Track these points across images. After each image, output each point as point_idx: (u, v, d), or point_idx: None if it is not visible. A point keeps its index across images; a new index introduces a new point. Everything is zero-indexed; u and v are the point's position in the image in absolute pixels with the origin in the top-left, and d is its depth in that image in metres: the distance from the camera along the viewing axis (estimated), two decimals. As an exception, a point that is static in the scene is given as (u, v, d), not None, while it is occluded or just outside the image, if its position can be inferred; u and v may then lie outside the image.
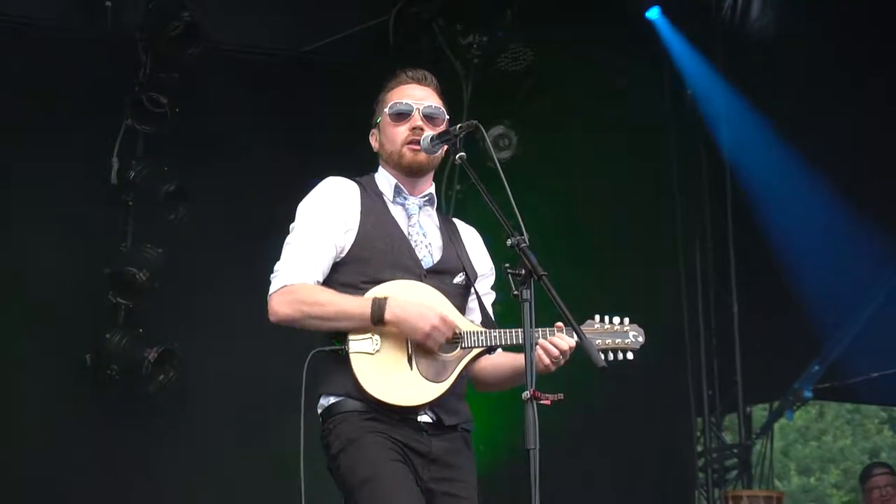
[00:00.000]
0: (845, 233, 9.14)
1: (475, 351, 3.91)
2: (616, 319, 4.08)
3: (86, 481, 7.44)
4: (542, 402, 3.40)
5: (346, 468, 3.78)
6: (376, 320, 3.77)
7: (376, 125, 4.14)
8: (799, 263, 9.60)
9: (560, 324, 3.85)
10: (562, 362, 3.87)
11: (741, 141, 9.99)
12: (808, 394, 10.35)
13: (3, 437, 7.24)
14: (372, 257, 3.92)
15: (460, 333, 3.88)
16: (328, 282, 3.92)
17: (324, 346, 3.85)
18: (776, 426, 11.00)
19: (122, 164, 7.82)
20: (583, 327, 3.92)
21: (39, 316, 7.44)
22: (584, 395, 5.73)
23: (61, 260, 7.55)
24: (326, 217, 3.94)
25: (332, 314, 3.80)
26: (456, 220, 4.28)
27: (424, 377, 3.82)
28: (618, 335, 4.06)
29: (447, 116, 4.11)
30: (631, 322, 4.10)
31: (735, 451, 10.27)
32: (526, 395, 3.40)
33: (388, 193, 4.07)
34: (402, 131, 4.04)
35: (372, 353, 3.80)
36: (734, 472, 10.19)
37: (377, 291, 3.85)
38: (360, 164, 4.17)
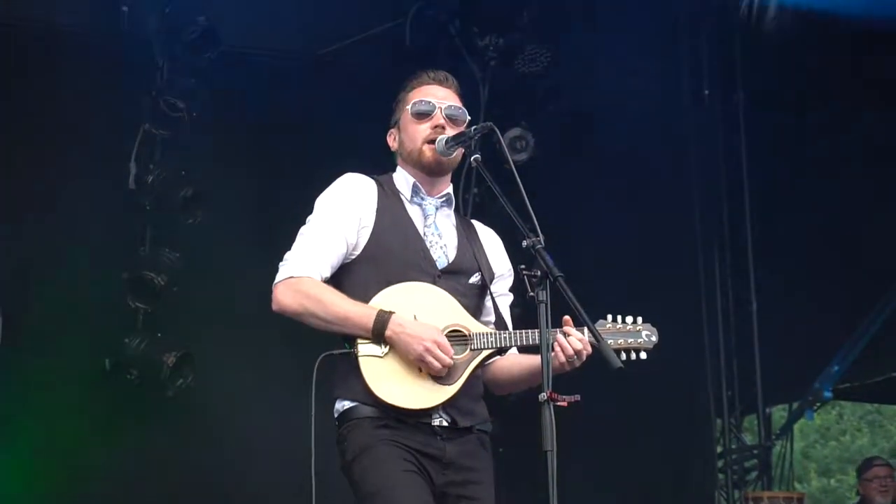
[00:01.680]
0: (860, 233, 9.11)
1: (485, 352, 3.86)
2: (629, 319, 4.02)
3: (106, 484, 7.45)
4: (559, 403, 3.36)
5: (359, 476, 3.76)
6: (377, 335, 3.73)
7: (396, 124, 4.14)
8: (816, 264, 9.58)
9: (567, 317, 3.79)
10: (577, 363, 3.81)
11: (759, 141, 9.98)
12: (827, 394, 10.30)
13: (25, 441, 7.26)
14: (386, 256, 3.89)
15: (470, 335, 3.85)
16: (343, 280, 3.89)
17: (333, 350, 3.82)
18: (796, 427, 10.96)
19: (139, 169, 7.84)
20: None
21: (59, 321, 7.46)
22: (602, 397, 5.71)
23: (80, 265, 7.57)
24: (341, 212, 3.91)
25: (334, 317, 3.76)
26: (474, 222, 4.26)
27: (434, 379, 3.77)
28: (630, 335, 4.00)
29: (468, 118, 4.10)
30: (644, 321, 4.04)
31: (755, 452, 10.23)
32: (543, 396, 3.36)
33: (405, 193, 4.04)
34: (423, 129, 4.02)
35: (381, 357, 3.75)
36: (754, 474, 10.15)
37: (386, 295, 3.82)
38: (377, 167, 4.16)
